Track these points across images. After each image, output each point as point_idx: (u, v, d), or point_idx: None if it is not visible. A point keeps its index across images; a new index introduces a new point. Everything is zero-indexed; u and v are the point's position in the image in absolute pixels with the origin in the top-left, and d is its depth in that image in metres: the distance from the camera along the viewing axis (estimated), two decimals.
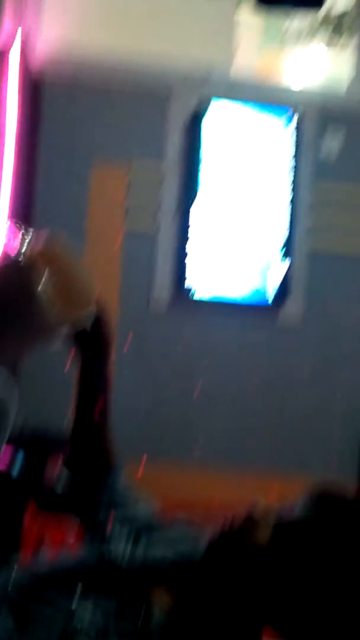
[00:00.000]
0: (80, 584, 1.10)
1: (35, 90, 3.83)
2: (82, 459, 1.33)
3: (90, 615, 1.04)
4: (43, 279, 1.14)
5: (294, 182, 3.98)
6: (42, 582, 1.10)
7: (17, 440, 1.46)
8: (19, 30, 3.84)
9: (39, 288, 1.13)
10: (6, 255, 1.17)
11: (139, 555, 1.17)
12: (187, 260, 3.92)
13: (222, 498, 3.69)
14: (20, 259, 1.16)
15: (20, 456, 1.66)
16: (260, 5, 2.64)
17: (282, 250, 3.98)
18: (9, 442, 1.39)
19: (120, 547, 1.18)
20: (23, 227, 1.33)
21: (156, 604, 1.08)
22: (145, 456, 3.88)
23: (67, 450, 1.37)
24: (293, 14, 3.89)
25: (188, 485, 3.87)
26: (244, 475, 3.94)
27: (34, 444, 3.50)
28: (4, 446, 1.42)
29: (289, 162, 3.97)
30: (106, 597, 1.08)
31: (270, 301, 4.00)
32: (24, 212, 3.75)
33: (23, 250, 1.16)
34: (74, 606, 1.06)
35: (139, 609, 1.07)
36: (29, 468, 1.68)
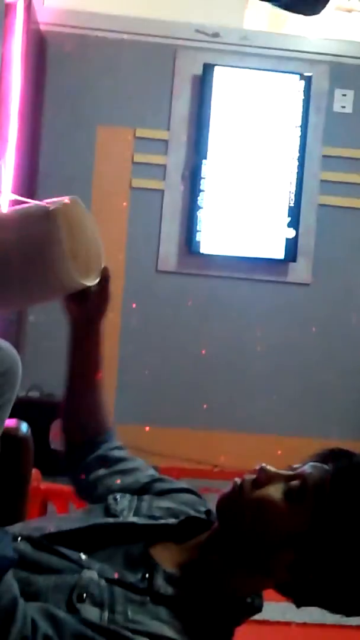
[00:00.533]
0: (85, 544, 1.09)
1: (40, 49, 3.79)
2: (76, 422, 1.34)
3: (97, 575, 1.03)
4: (66, 230, 1.15)
5: (303, 139, 3.94)
6: (51, 538, 1.09)
7: (21, 407, 1.46)
8: None
9: (62, 236, 1.15)
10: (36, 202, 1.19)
11: (142, 514, 1.17)
12: (195, 217, 3.90)
13: (227, 460, 3.73)
14: (48, 206, 1.16)
15: (24, 423, 1.67)
16: None
17: (290, 206, 3.95)
18: (13, 409, 1.40)
19: (124, 507, 1.18)
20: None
21: (162, 561, 1.08)
22: (151, 418, 3.91)
23: (63, 413, 1.38)
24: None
25: (193, 447, 3.90)
26: (250, 438, 3.96)
27: (37, 410, 3.54)
28: (10, 408, 1.42)
29: (299, 120, 3.92)
30: (111, 557, 1.08)
31: (280, 257, 3.97)
32: (30, 171, 3.73)
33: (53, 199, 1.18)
34: (82, 564, 1.05)
35: (144, 566, 1.06)
36: (33, 433, 1.68)
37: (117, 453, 1.33)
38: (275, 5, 2.05)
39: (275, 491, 1.05)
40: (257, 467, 1.08)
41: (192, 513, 1.18)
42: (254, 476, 1.07)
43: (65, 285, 1.20)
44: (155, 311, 3.98)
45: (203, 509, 1.22)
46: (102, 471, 1.29)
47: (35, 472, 2.13)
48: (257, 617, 1.11)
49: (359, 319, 4.09)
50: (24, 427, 1.69)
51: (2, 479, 1.60)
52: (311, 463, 1.09)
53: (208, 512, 1.20)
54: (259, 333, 4.00)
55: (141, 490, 1.26)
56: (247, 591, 1.09)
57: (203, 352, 3.88)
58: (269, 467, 1.08)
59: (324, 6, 1.99)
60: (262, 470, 1.07)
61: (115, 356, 3.95)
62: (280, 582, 1.08)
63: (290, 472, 1.08)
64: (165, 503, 1.21)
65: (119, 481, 1.27)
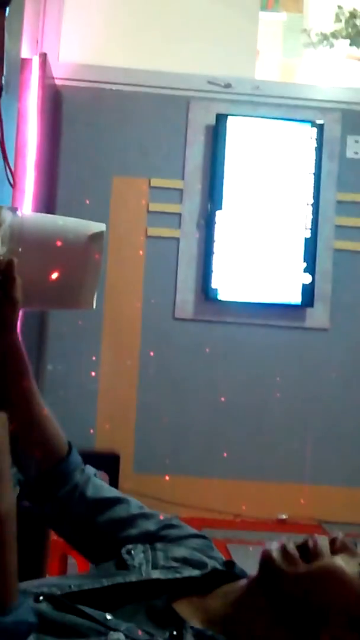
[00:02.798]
0: (107, 602, 1.06)
1: (55, 102, 3.87)
2: (29, 452, 1.19)
3: (124, 637, 0.99)
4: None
5: (317, 185, 3.96)
6: (73, 597, 1.06)
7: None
8: (40, 41, 3.89)
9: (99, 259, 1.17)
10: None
11: (160, 565, 1.14)
12: (211, 264, 3.91)
13: (249, 510, 3.67)
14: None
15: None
16: None
17: (307, 252, 3.95)
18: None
19: (141, 560, 1.15)
20: None
21: (188, 617, 1.04)
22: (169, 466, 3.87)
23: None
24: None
25: (214, 497, 3.84)
26: (272, 487, 3.90)
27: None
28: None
29: (313, 167, 3.96)
30: (135, 614, 1.04)
31: (297, 302, 3.96)
32: None
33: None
34: (108, 625, 1.01)
35: (171, 624, 1.02)
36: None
37: (100, 491, 1.25)
38: None
39: (350, 565, 1.03)
40: (333, 536, 1.05)
41: (207, 561, 1.15)
42: (313, 540, 1.05)
43: (78, 302, 1.19)
44: (173, 359, 3.96)
45: (216, 554, 1.19)
46: (99, 518, 1.23)
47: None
48: None
49: None
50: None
51: (21, 532, 1.58)
52: None
53: (229, 563, 1.16)
54: (278, 379, 3.97)
55: (152, 538, 1.22)
56: None
57: (222, 399, 3.85)
58: (344, 538, 1.05)
59: None
60: (339, 539, 1.05)
61: (134, 404, 3.93)
62: None
63: None
64: (179, 552, 1.17)
65: (125, 534, 1.22)
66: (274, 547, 1.05)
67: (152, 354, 3.84)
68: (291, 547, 1.04)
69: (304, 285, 3.95)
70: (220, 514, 3.76)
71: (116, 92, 3.98)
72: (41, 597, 1.05)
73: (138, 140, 4.00)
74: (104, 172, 3.99)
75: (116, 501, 1.27)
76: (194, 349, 3.95)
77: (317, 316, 4.03)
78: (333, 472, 3.94)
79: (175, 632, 1.00)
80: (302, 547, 1.04)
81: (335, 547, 1.04)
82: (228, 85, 4.05)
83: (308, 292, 3.95)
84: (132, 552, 1.16)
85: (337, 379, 3.99)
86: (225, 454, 3.76)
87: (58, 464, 1.24)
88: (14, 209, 1.16)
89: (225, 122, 3.93)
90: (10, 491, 0.91)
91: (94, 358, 3.87)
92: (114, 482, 3.63)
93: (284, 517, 3.82)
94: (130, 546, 1.18)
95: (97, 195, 3.95)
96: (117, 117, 3.99)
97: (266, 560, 1.04)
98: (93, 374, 3.86)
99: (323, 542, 1.05)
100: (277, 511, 3.83)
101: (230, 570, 1.14)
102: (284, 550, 1.04)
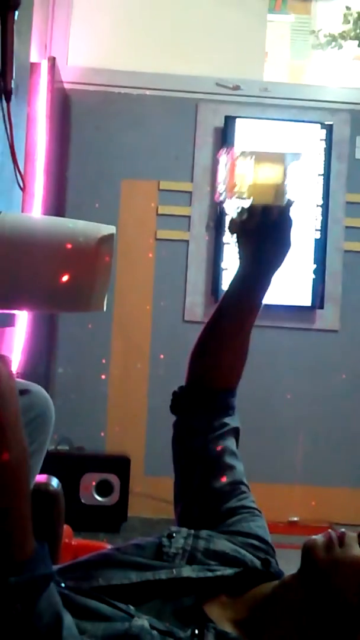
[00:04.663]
0: (134, 596, 1.05)
1: (64, 106, 3.88)
2: (215, 361, 1.39)
3: (148, 624, 0.98)
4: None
5: (326, 187, 3.96)
6: (99, 590, 1.05)
7: (51, 461, 1.42)
8: (48, 45, 3.90)
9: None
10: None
11: (197, 559, 1.11)
12: (220, 266, 3.90)
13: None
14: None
15: (54, 478, 1.64)
16: None
17: (316, 253, 3.94)
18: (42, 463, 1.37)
19: (178, 550, 1.12)
20: None
21: (216, 618, 1.03)
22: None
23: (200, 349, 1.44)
24: None
25: None
26: (282, 489, 3.89)
27: (66, 464, 3.49)
28: (44, 454, 1.39)
29: (322, 168, 3.95)
30: (161, 610, 1.03)
31: (307, 304, 3.95)
32: None
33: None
34: (132, 613, 1.00)
35: (195, 623, 1.01)
36: (63, 488, 1.65)
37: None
38: None
39: None
40: None
41: (247, 560, 1.12)
42: (354, 534, 1.04)
43: (89, 305, 1.19)
44: (183, 361, 3.94)
45: (261, 554, 1.16)
46: (227, 445, 1.28)
47: (66, 528, 2.10)
48: None
49: None
50: (55, 482, 1.67)
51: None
52: None
53: (266, 562, 1.14)
54: (288, 381, 3.96)
55: (222, 516, 1.20)
56: None
57: None
58: None
59: None
60: None
61: (145, 407, 3.93)
62: None
63: None
64: (222, 545, 1.14)
65: (224, 480, 1.24)
66: (318, 536, 1.05)
67: (162, 356, 3.84)
68: (333, 535, 1.04)
69: (314, 287, 3.94)
70: None
71: (125, 96, 3.99)
72: (63, 584, 1.03)
73: (147, 143, 4.01)
74: (113, 176, 3.99)
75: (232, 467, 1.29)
76: None
77: (327, 317, 4.02)
78: (343, 474, 3.92)
79: (197, 631, 0.99)
80: (340, 538, 1.04)
81: None
82: (236, 87, 4.05)
83: (318, 293, 3.94)
84: (174, 535, 1.14)
85: (347, 381, 3.97)
86: None
87: (232, 391, 1.37)
88: None
89: (234, 124, 3.93)
90: (23, 439, 0.89)
91: (103, 361, 3.87)
92: (124, 485, 3.64)
93: (295, 519, 3.81)
94: (174, 529, 1.16)
95: (106, 198, 3.96)
96: (126, 120, 4.00)
97: (308, 548, 1.04)
98: (103, 376, 3.86)
99: (351, 534, 1.05)
100: (287, 514, 3.82)
101: (265, 570, 1.12)
102: (327, 537, 1.04)
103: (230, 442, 1.29)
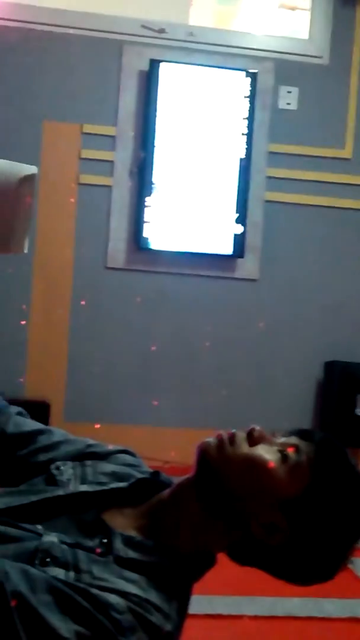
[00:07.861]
0: (37, 517, 1.08)
1: None
2: None
3: (57, 539, 1.02)
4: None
5: (249, 136, 3.96)
6: (1, 514, 1.08)
7: None
8: None
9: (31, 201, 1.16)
10: None
11: (89, 480, 1.16)
12: (143, 213, 3.89)
13: (178, 456, 3.74)
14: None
15: None
16: None
17: (238, 203, 3.97)
18: None
19: (69, 475, 1.17)
20: None
21: (116, 525, 1.07)
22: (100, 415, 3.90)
23: None
24: None
25: (144, 444, 3.89)
26: (201, 434, 3.97)
27: None
28: None
29: (245, 117, 3.95)
30: (66, 527, 1.07)
31: (228, 253, 3.99)
32: None
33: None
34: (40, 532, 1.03)
35: (100, 533, 1.05)
36: None
37: (21, 427, 1.28)
38: None
39: (270, 453, 1.08)
40: (250, 427, 1.10)
41: (137, 474, 1.18)
42: (243, 433, 1.09)
43: (9, 246, 1.18)
44: (104, 308, 3.96)
45: (145, 468, 1.23)
46: (20, 452, 1.25)
47: None
48: (209, 611, 1.12)
49: (305, 314, 4.15)
50: None
51: None
52: (294, 436, 1.12)
53: (156, 473, 1.20)
54: (207, 329, 4.02)
55: (79, 456, 1.24)
56: (220, 546, 1.10)
57: (153, 348, 3.88)
58: (261, 428, 1.10)
59: None
60: (256, 430, 1.09)
61: (65, 353, 3.93)
62: (243, 539, 1.08)
63: (283, 440, 1.11)
64: (109, 467, 1.20)
65: (49, 456, 1.23)
66: (210, 438, 1.09)
67: (83, 302, 3.83)
68: (225, 436, 1.09)
69: (235, 236, 3.98)
70: (150, 461, 3.80)
71: (47, 34, 3.87)
72: None
73: (69, 84, 3.92)
74: (34, 117, 3.89)
75: (37, 432, 1.28)
76: (125, 298, 3.96)
77: (248, 267, 4.08)
78: (257, 418, 4.02)
79: (105, 540, 1.03)
80: (231, 438, 1.09)
81: (254, 438, 1.09)
82: (162, 31, 3.98)
83: (239, 242, 3.98)
84: (61, 467, 1.18)
85: (265, 329, 4.06)
86: (155, 402, 3.81)
87: None
88: None
89: (159, 68, 3.88)
90: None
91: (24, 307, 3.83)
92: None
93: None
94: (59, 462, 1.20)
95: (27, 139, 3.86)
96: (48, 60, 3.89)
97: (202, 449, 1.09)
98: (23, 322, 3.83)
99: (240, 434, 1.09)
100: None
101: (156, 479, 1.17)
102: (219, 437, 1.09)
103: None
